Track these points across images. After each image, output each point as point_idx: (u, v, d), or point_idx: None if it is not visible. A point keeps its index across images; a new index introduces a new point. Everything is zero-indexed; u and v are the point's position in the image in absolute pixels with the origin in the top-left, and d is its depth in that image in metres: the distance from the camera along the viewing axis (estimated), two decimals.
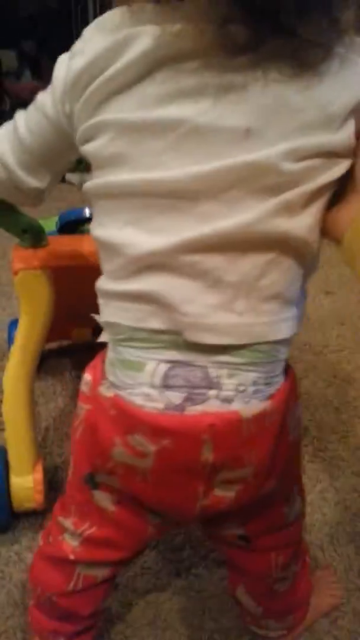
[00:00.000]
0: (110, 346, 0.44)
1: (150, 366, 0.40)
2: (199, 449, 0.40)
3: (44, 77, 3.93)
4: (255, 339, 0.39)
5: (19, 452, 0.71)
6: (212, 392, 0.40)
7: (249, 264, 0.38)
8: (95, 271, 0.43)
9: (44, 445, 0.87)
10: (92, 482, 0.47)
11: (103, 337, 0.44)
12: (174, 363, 0.40)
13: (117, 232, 0.39)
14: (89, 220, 0.81)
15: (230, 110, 0.35)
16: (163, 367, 0.40)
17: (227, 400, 0.40)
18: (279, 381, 0.42)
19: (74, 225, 0.84)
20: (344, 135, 0.37)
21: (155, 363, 0.40)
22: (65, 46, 0.41)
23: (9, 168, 0.47)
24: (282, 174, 0.36)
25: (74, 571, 0.51)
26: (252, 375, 0.40)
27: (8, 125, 0.47)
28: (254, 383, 0.40)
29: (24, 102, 0.47)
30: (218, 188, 0.36)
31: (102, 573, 0.51)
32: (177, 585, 0.69)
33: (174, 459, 0.41)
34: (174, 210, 0.37)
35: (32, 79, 3.80)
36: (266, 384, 0.41)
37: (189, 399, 0.40)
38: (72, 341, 1.04)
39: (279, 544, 0.53)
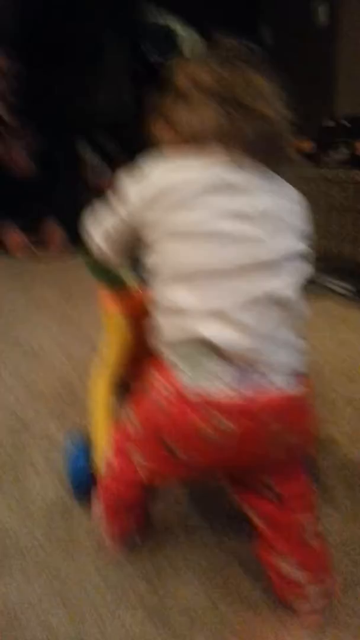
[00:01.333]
0: (188, 362, 0.62)
1: (225, 372, 0.61)
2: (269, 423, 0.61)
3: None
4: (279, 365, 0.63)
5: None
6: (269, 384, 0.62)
7: (271, 320, 0.63)
8: None
9: None
10: (168, 448, 0.64)
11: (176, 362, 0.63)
12: (241, 369, 0.61)
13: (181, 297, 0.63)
14: None
15: (251, 228, 0.64)
16: (236, 371, 0.61)
17: (279, 387, 0.62)
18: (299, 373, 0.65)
19: None
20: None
21: (229, 370, 0.61)
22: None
23: (103, 253, 0.80)
24: (280, 265, 0.64)
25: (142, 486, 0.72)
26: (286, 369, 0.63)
27: (97, 228, 0.78)
28: (288, 371, 0.63)
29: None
30: (247, 270, 0.63)
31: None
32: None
33: (252, 432, 0.61)
34: (222, 283, 0.62)
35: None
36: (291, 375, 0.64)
37: (256, 391, 0.61)
38: None
39: (305, 506, 0.68)
